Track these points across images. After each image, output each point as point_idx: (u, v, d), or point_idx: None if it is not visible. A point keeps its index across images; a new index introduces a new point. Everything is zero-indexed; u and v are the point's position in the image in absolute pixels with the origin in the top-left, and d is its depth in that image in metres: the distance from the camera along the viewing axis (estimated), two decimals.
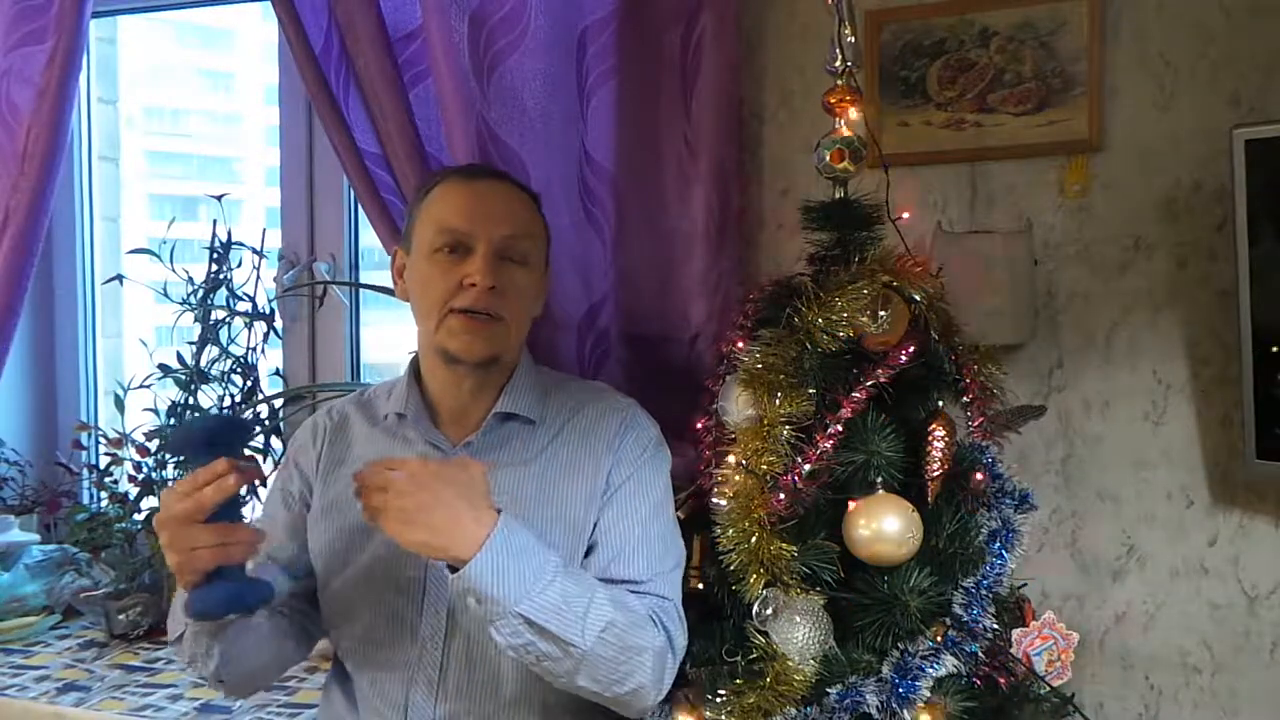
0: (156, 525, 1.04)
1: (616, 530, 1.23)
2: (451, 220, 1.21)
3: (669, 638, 1.19)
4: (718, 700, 1.23)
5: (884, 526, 1.22)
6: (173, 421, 2.04)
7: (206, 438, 1.05)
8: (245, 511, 1.12)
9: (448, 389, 1.27)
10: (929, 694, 1.20)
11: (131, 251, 2.15)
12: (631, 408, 1.32)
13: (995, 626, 1.26)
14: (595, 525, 1.24)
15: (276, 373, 2.15)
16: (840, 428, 1.25)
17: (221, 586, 1.05)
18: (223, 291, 2.06)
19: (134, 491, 2.04)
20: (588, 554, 1.23)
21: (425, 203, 1.26)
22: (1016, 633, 1.28)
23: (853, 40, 1.33)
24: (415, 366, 1.31)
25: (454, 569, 1.04)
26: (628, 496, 1.24)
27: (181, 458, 1.06)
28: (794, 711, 1.20)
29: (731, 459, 1.25)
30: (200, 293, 2.05)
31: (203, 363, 2.05)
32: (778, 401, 1.22)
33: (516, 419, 1.27)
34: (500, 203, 1.24)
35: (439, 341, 1.21)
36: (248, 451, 1.17)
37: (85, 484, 2.22)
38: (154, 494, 2.03)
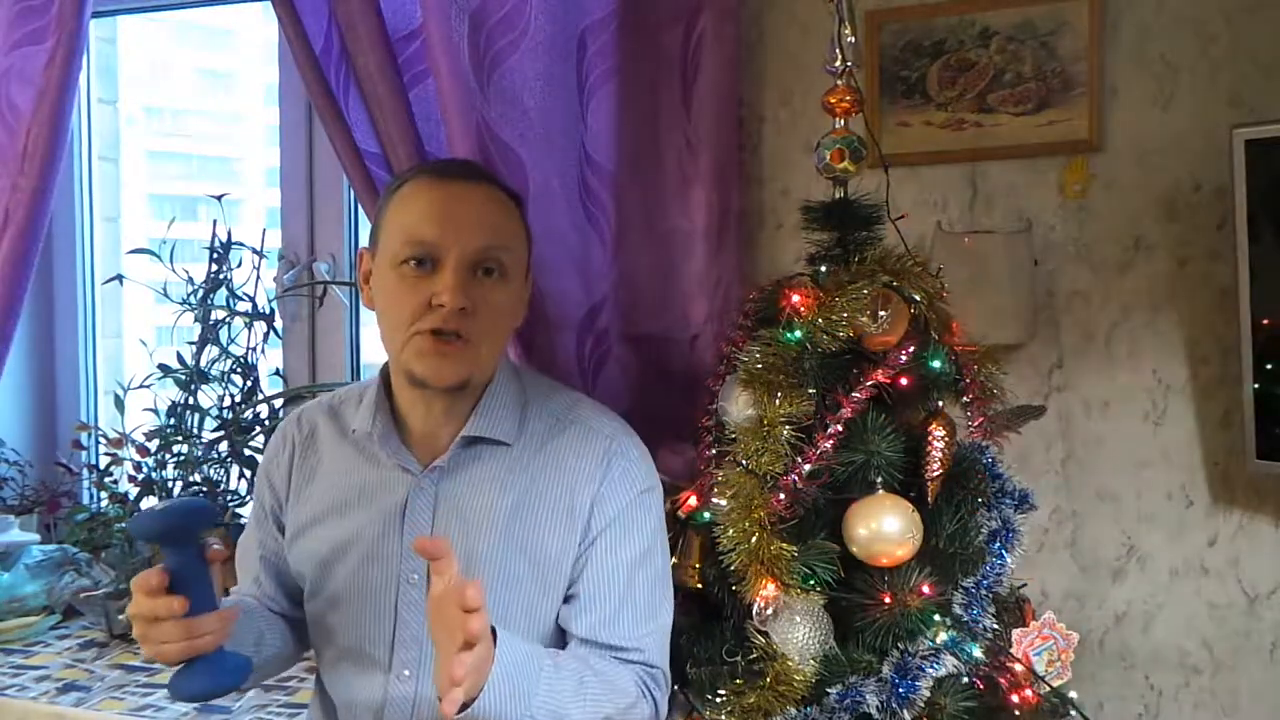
0: (128, 616, 1.03)
1: (599, 589, 1.16)
2: (419, 229, 1.10)
3: (655, 705, 1.17)
4: (718, 700, 1.23)
5: (884, 526, 1.22)
6: (172, 420, 2.04)
7: (162, 530, 1.03)
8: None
9: (416, 409, 1.18)
10: (929, 694, 1.20)
11: (131, 251, 2.15)
12: (617, 433, 1.21)
13: (995, 626, 1.26)
14: (575, 574, 1.17)
15: (276, 373, 2.15)
16: (840, 428, 1.24)
17: (198, 673, 1.04)
18: (223, 291, 2.06)
19: (134, 491, 2.04)
20: (566, 600, 1.18)
21: (393, 203, 1.15)
22: (1016, 633, 1.28)
23: (853, 40, 1.32)
24: (385, 376, 1.22)
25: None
26: (610, 547, 1.17)
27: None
28: (794, 711, 1.20)
29: (731, 459, 1.25)
30: (200, 293, 2.05)
31: (203, 363, 2.05)
32: (778, 401, 1.22)
33: (486, 441, 1.18)
34: (473, 209, 1.12)
35: (405, 363, 1.12)
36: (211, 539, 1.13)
37: (85, 484, 2.22)
38: (154, 494, 2.03)
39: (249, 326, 2.06)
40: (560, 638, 1.20)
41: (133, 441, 2.05)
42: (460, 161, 1.41)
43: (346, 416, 1.25)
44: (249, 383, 2.07)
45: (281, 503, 1.26)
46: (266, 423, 2.04)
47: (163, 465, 2.04)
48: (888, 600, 1.21)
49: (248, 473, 2.04)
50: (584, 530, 1.17)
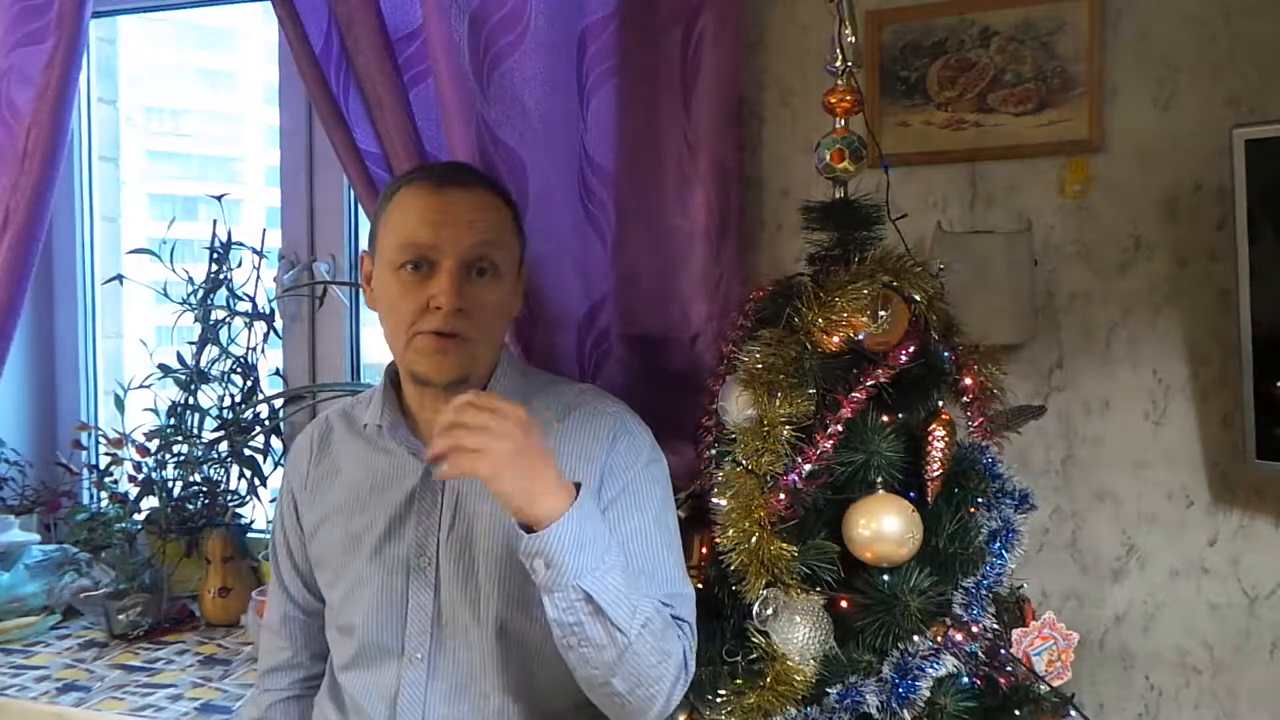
0: None
1: None
2: (415, 233, 1.16)
3: (685, 651, 1.16)
4: (718, 700, 1.23)
5: (884, 526, 1.22)
6: (172, 420, 2.04)
7: None
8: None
9: (423, 405, 1.24)
10: (929, 694, 1.20)
11: (131, 251, 2.15)
12: (621, 413, 1.27)
13: (995, 626, 1.26)
14: None
15: (276, 373, 2.15)
16: (840, 428, 1.24)
17: None
18: (223, 291, 2.06)
19: (134, 491, 2.05)
20: None
21: (389, 208, 1.21)
22: (1016, 633, 1.28)
23: (853, 40, 1.33)
24: (392, 374, 1.28)
25: (526, 527, 1.03)
26: (621, 516, 1.20)
27: None
28: (794, 711, 1.20)
29: (731, 459, 1.25)
30: (200, 293, 2.05)
31: (203, 363, 2.05)
32: (778, 401, 1.22)
33: None
34: (466, 211, 1.17)
35: (409, 363, 1.19)
36: None
37: (85, 484, 2.22)
38: (154, 494, 2.03)
39: (249, 326, 2.06)
40: None
41: (133, 441, 2.05)
42: (453, 165, 1.44)
43: (358, 415, 1.32)
44: (249, 383, 2.07)
45: (299, 507, 1.32)
46: (266, 423, 2.04)
47: (163, 465, 2.04)
48: (888, 600, 1.21)
49: (248, 473, 2.04)
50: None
